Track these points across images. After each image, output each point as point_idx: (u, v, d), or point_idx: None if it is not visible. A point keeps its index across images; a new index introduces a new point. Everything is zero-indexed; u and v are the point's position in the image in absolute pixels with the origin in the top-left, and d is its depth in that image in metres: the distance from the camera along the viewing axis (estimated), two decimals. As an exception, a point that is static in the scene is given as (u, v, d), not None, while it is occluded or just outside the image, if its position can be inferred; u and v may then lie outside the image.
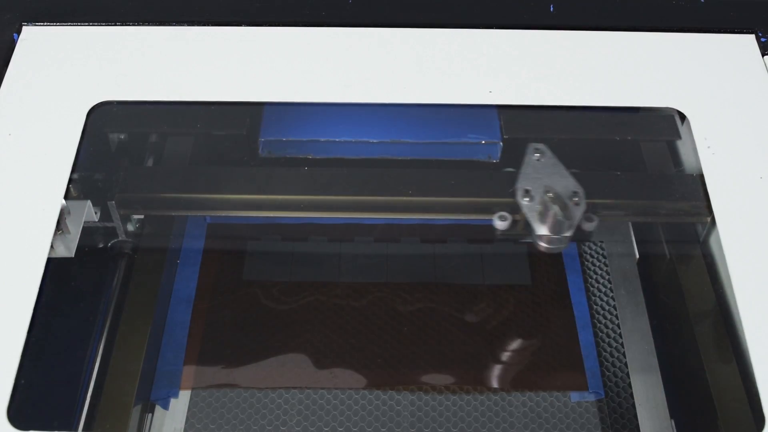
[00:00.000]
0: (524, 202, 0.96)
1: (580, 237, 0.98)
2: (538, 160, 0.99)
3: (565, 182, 0.96)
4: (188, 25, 1.03)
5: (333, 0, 1.06)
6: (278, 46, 1.01)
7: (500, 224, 0.96)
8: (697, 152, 0.92)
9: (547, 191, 0.95)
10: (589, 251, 1.23)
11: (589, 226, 0.96)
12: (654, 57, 1.01)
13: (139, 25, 1.03)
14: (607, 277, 1.20)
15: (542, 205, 0.95)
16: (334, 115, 1.10)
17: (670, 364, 1.06)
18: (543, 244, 0.96)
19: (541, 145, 1.00)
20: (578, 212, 0.95)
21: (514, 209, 0.96)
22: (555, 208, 0.93)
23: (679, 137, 1.07)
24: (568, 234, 0.95)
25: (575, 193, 0.95)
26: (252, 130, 1.08)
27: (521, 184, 0.97)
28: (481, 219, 1.18)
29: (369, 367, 1.08)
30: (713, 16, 1.05)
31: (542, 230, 0.95)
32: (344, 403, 1.05)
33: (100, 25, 1.03)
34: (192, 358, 1.09)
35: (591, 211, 0.96)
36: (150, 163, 1.15)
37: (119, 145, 1.12)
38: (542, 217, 0.95)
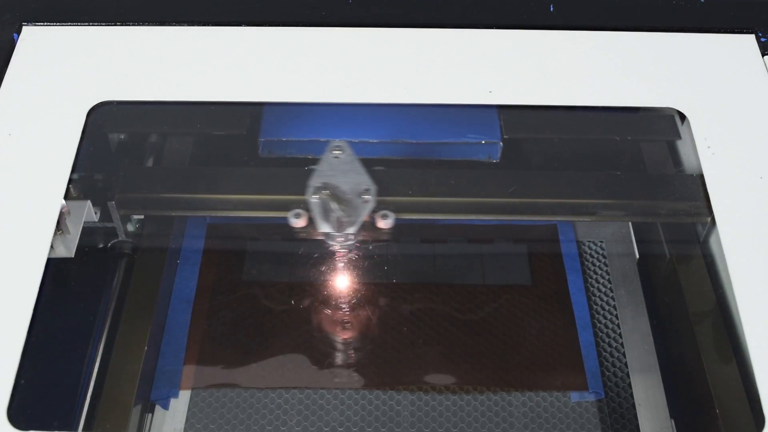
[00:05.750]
0: (312, 199, 0.94)
1: (379, 235, 0.96)
2: (336, 157, 0.96)
3: (358, 179, 0.94)
4: (188, 25, 1.03)
5: (333, 0, 1.06)
6: (278, 46, 1.01)
7: (295, 222, 0.95)
8: (697, 152, 0.92)
9: (324, 188, 0.93)
10: (589, 251, 1.23)
11: (384, 224, 0.94)
12: (654, 57, 1.00)
13: (139, 25, 1.03)
14: (607, 277, 1.20)
15: (322, 202, 0.93)
16: (334, 115, 1.10)
17: (670, 364, 1.06)
18: (330, 242, 0.96)
19: (342, 143, 0.98)
20: (363, 210, 0.93)
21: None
22: (333, 205, 0.91)
23: (679, 137, 1.07)
24: (350, 231, 0.93)
25: (366, 191, 0.93)
26: (252, 130, 1.08)
27: (314, 182, 0.95)
28: (482, 219, 1.19)
29: (369, 367, 1.08)
30: (713, 16, 1.05)
31: (325, 228, 0.94)
32: (344, 403, 1.05)
33: (100, 25, 1.03)
34: (192, 358, 1.09)
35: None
36: (150, 163, 1.15)
37: (119, 145, 1.12)
38: (324, 214, 0.93)
